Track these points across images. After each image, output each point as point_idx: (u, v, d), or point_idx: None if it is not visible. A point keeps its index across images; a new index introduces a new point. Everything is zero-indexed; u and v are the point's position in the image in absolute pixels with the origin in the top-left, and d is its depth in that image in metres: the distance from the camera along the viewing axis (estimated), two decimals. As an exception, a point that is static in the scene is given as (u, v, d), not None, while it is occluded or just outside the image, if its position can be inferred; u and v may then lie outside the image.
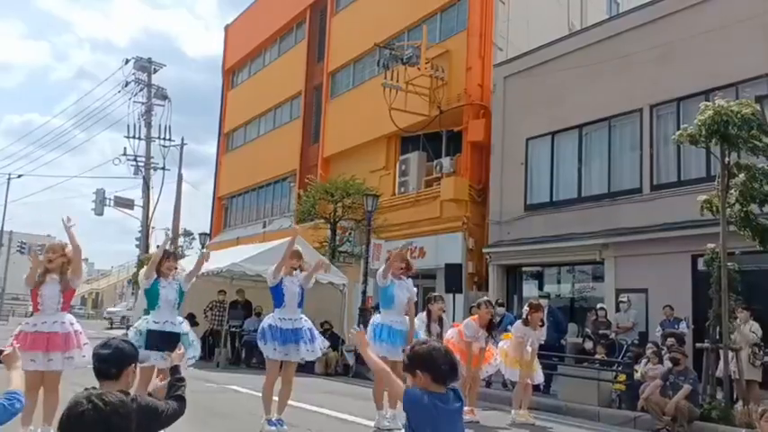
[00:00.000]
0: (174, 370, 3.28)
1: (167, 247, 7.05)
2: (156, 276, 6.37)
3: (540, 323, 8.78)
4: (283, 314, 6.78)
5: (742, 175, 9.03)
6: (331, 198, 19.15)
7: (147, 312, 6.53)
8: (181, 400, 3.03)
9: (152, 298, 6.38)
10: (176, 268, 6.54)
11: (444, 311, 8.70)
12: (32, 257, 5.89)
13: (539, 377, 9.06)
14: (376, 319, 7.55)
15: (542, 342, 9.00)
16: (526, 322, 8.71)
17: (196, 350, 6.56)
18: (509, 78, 17.25)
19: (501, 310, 13.21)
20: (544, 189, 16.04)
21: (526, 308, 9.04)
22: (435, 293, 8.97)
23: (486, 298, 9.36)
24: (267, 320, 6.84)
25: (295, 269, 6.89)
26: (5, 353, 3.04)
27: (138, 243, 32.07)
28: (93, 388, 2.60)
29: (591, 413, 10.01)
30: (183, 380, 3.20)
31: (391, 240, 19.01)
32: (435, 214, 18.50)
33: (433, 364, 2.82)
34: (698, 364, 9.95)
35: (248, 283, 16.53)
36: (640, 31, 14.25)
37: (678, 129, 10.35)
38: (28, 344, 5.44)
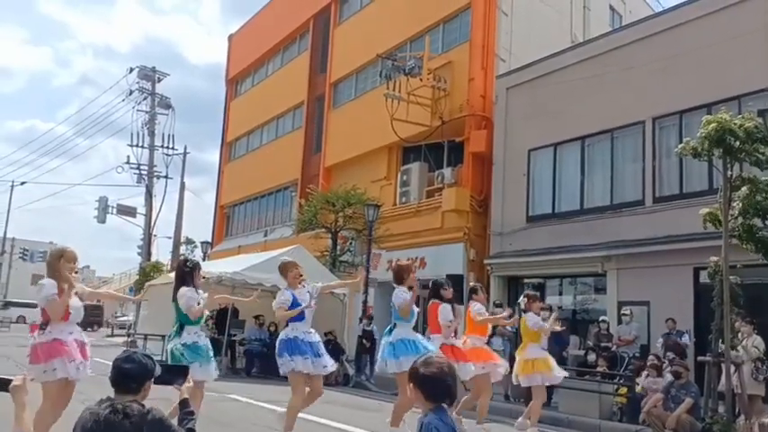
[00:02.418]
0: (184, 403, 3.24)
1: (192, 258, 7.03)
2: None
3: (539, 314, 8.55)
4: (305, 328, 6.63)
5: (745, 189, 9.01)
6: (332, 208, 19.17)
7: (180, 327, 6.29)
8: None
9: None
10: (203, 278, 6.46)
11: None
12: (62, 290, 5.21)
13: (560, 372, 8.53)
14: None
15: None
16: (526, 312, 8.28)
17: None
18: (511, 89, 17.30)
19: (499, 311, 13.06)
20: (546, 200, 16.04)
21: (523, 298, 8.59)
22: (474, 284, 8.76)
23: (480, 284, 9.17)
24: (289, 333, 6.58)
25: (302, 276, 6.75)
26: (14, 383, 2.82)
27: (139, 251, 32.09)
28: (109, 398, 2.58)
29: (592, 426, 9.97)
30: (192, 413, 3.18)
31: (392, 250, 19.04)
32: (436, 225, 18.50)
33: (425, 386, 2.84)
34: (700, 377, 9.91)
35: (250, 292, 16.48)
36: (643, 43, 14.30)
37: (681, 141, 10.33)
38: (69, 350, 5.19)
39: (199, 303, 6.17)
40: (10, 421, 2.85)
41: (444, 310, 7.51)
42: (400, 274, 7.20)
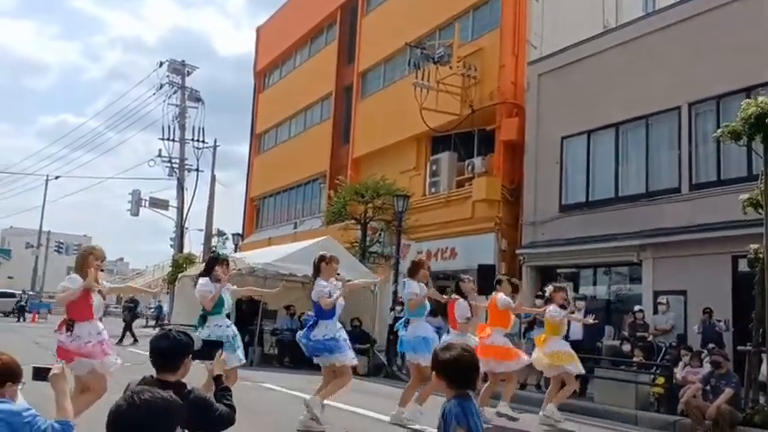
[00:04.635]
0: (218, 379, 3.21)
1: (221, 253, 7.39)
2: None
3: (562, 304, 8.61)
4: (338, 325, 7.00)
5: (786, 174, 8.78)
6: (361, 199, 19.14)
7: (203, 318, 6.54)
8: (231, 408, 3.01)
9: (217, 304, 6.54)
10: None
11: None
12: (91, 275, 5.43)
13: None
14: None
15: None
16: (550, 302, 8.50)
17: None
18: (543, 76, 17.04)
19: (539, 302, 12.93)
20: (580, 189, 15.80)
21: (550, 287, 8.83)
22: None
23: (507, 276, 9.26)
24: (330, 332, 6.89)
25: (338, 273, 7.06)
26: (54, 371, 2.90)
27: (172, 243, 32.49)
28: (152, 377, 2.57)
29: (629, 416, 9.83)
30: (228, 389, 3.15)
31: (422, 241, 18.98)
32: (467, 215, 18.35)
33: (447, 372, 2.85)
34: (739, 367, 9.70)
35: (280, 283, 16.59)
36: (678, 27, 13.97)
37: (718, 127, 10.12)
38: (101, 352, 5.48)
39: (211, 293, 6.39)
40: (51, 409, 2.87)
41: (460, 307, 7.63)
42: (413, 269, 7.75)
